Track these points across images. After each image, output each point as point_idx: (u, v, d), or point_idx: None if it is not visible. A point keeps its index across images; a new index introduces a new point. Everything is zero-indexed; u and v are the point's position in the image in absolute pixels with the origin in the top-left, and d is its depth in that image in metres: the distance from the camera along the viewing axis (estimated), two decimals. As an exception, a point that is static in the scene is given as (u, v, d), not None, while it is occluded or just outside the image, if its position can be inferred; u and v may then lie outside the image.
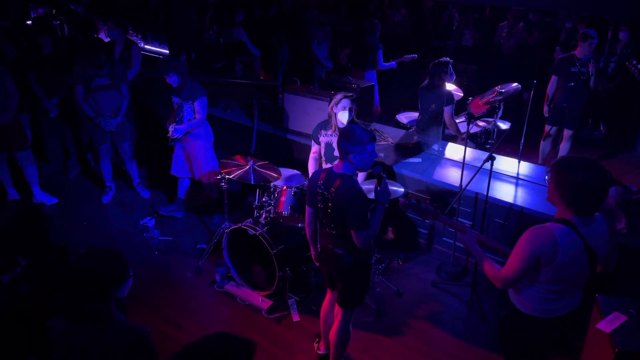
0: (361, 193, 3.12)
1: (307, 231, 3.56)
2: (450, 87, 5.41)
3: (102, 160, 5.82)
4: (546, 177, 2.55)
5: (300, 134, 5.90)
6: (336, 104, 4.33)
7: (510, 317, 2.78)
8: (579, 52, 5.69)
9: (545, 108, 6.17)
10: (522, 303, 2.67)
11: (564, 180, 2.42)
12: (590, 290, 2.64)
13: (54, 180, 6.35)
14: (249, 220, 4.50)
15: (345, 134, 3.11)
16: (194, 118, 5.12)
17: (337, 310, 3.52)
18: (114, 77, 5.45)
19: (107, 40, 6.40)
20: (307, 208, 3.47)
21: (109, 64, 5.43)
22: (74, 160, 6.56)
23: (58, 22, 8.57)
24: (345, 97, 4.30)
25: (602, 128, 7.26)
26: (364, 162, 3.12)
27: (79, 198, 6.04)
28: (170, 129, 5.08)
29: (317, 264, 3.66)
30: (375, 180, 3.28)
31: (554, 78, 5.94)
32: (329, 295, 3.73)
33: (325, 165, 4.48)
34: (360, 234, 3.09)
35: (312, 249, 3.63)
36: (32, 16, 8.76)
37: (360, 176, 4.45)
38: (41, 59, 5.75)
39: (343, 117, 4.32)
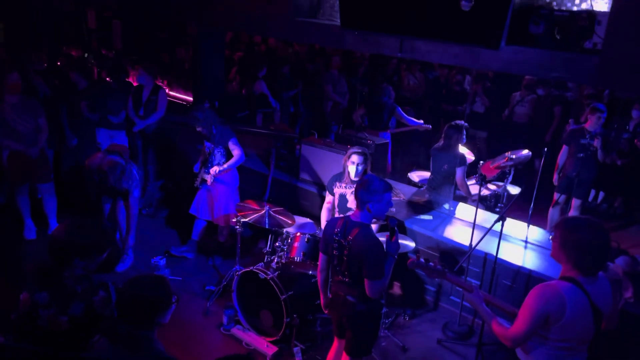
0: (379, 242, 3.21)
1: (319, 278, 3.62)
2: (462, 150, 5.60)
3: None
4: (550, 236, 2.64)
5: (314, 184, 6.06)
6: (347, 158, 4.52)
7: None
8: (589, 125, 5.89)
9: (555, 176, 6.31)
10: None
11: (570, 240, 2.51)
12: (596, 350, 2.67)
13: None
14: (260, 264, 4.58)
15: (363, 184, 3.25)
16: (224, 162, 5.30)
17: (345, 359, 3.53)
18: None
19: (135, 84, 6.74)
20: (320, 255, 3.54)
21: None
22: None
23: (89, 65, 9.01)
24: (355, 152, 4.49)
25: (615, 203, 7.37)
26: (381, 210, 3.24)
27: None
28: (212, 171, 5.20)
29: (326, 312, 3.69)
30: (387, 232, 3.36)
31: (564, 148, 6.11)
32: (335, 344, 3.74)
33: (338, 216, 4.60)
34: (375, 283, 3.15)
35: (322, 296, 3.68)
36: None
37: (373, 228, 4.55)
38: (75, 94, 6.08)
39: (352, 170, 4.49)
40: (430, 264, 3.03)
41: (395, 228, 3.31)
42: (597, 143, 5.75)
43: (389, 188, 3.27)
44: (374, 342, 3.52)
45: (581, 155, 5.91)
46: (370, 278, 3.16)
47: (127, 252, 5.51)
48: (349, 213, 3.47)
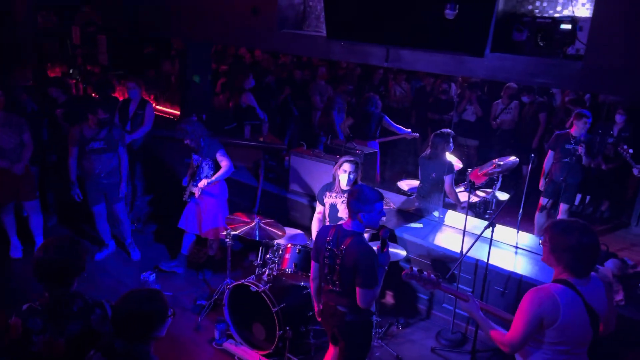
0: (372, 251, 3.21)
1: (312, 286, 3.61)
2: (450, 157, 5.62)
3: (97, 222, 5.81)
4: (539, 240, 2.66)
5: (304, 195, 6.05)
6: (339, 167, 4.52)
7: None
8: (574, 130, 5.95)
9: (542, 181, 6.35)
10: None
11: (559, 242, 2.54)
12: (595, 355, 2.67)
13: (56, 232, 6.40)
14: (251, 277, 4.54)
15: (354, 193, 3.25)
16: (212, 174, 5.29)
17: None
18: (110, 141, 5.47)
19: (121, 99, 6.71)
20: (312, 263, 3.54)
21: (106, 127, 5.44)
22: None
23: (74, 81, 8.96)
24: (347, 161, 4.49)
25: (602, 207, 7.44)
26: (373, 220, 3.24)
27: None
28: (200, 184, 5.19)
29: (319, 320, 3.67)
30: (378, 242, 3.34)
31: (550, 153, 6.16)
32: (330, 351, 3.72)
33: (329, 225, 4.59)
34: (367, 292, 3.14)
35: (315, 304, 3.67)
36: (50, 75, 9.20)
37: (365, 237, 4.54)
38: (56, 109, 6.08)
39: (343, 179, 4.48)
40: (424, 274, 3.00)
41: (387, 240, 3.30)
42: (581, 150, 5.80)
43: (380, 197, 3.28)
44: (367, 352, 3.50)
45: (567, 160, 5.96)
46: (363, 287, 3.14)
47: (129, 247, 6.00)
48: (341, 222, 3.47)
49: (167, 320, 2.42)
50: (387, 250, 3.29)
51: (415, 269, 3.03)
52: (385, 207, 5.72)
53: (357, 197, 3.22)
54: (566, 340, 2.54)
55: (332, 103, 7.91)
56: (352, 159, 4.54)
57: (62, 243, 2.65)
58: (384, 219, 5.45)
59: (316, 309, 3.66)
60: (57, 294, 2.56)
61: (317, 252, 3.43)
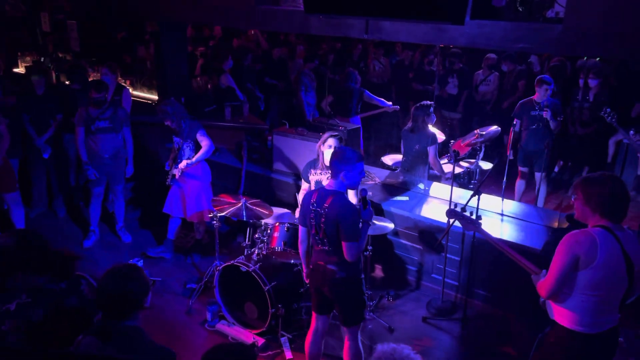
0: (353, 206, 3.34)
1: (300, 249, 3.72)
2: (433, 130, 5.62)
3: (92, 202, 5.80)
4: (572, 198, 2.76)
5: (289, 174, 6.02)
6: (323, 143, 4.52)
7: (553, 335, 2.84)
8: (536, 96, 5.99)
9: (509, 150, 6.30)
10: (564, 316, 2.74)
11: (593, 193, 2.65)
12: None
13: (39, 223, 6.29)
14: (241, 257, 4.52)
15: (336, 154, 3.39)
16: (194, 157, 5.22)
17: (344, 331, 3.64)
18: (116, 120, 5.53)
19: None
20: (300, 228, 3.65)
21: (112, 107, 5.51)
22: (60, 202, 6.56)
23: (46, 69, 8.73)
24: (331, 136, 4.50)
25: (583, 173, 7.51)
26: (354, 180, 3.37)
27: (66, 239, 5.98)
28: (180, 166, 5.15)
29: (307, 282, 3.76)
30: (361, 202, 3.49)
31: (516, 121, 6.15)
32: (313, 325, 3.77)
33: (313, 190, 4.60)
34: (352, 244, 3.27)
35: (304, 267, 3.78)
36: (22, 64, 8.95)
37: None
38: (34, 100, 5.88)
39: (328, 155, 4.45)
40: (466, 214, 3.38)
41: (367, 198, 3.43)
42: (546, 115, 5.85)
43: (361, 158, 3.41)
44: (364, 306, 3.63)
45: (534, 127, 6.02)
46: (347, 240, 3.27)
47: (119, 230, 5.97)
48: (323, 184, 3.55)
49: (150, 292, 2.43)
50: (369, 207, 3.44)
51: (459, 208, 3.32)
52: (370, 182, 5.77)
53: (340, 157, 3.34)
54: (602, 284, 2.60)
55: (297, 83, 7.82)
56: (336, 134, 4.53)
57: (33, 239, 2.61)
58: (370, 193, 5.44)
59: (304, 271, 3.76)
60: (41, 281, 2.53)
61: (304, 216, 3.54)
